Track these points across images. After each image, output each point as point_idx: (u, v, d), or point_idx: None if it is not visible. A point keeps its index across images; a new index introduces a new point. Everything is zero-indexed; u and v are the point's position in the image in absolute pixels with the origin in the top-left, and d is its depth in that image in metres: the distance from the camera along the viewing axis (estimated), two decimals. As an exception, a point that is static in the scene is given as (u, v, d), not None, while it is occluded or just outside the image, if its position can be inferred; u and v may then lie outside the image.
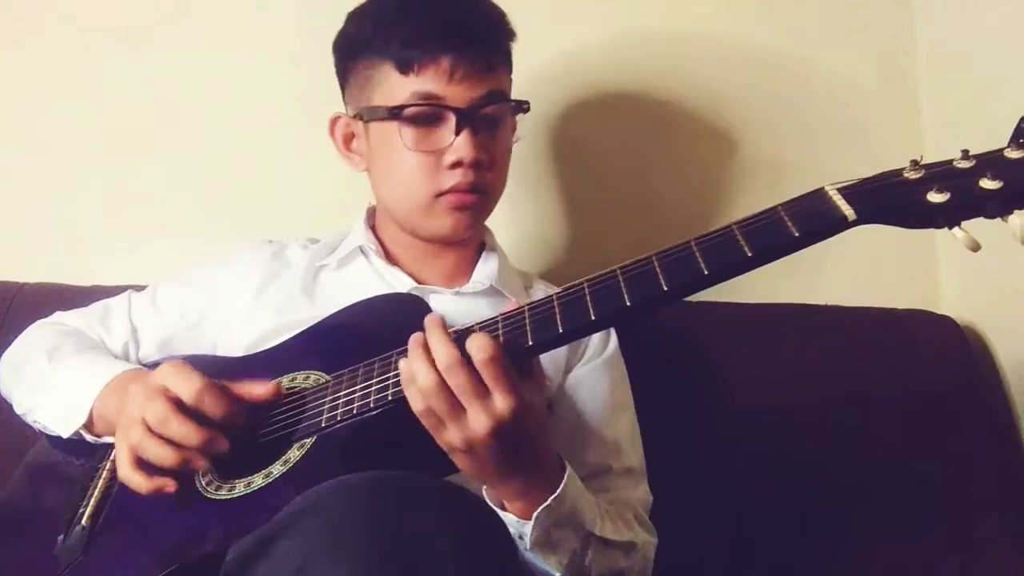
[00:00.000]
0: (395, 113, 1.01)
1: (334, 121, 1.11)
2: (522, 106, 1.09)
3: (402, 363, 0.78)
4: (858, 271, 1.35)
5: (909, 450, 1.20)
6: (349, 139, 1.10)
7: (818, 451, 1.19)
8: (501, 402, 0.75)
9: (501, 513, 0.82)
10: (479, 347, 0.75)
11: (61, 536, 0.86)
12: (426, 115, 1.01)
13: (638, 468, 1.05)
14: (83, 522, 0.86)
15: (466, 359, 0.76)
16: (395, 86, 1.02)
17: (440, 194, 1.02)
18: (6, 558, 0.89)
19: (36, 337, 1.07)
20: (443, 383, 0.76)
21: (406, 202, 1.05)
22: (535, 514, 0.82)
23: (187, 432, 0.80)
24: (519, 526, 0.83)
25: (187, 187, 1.41)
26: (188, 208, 1.41)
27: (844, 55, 1.39)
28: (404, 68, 1.01)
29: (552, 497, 0.82)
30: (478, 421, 0.75)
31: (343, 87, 1.10)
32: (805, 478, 1.17)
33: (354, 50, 1.07)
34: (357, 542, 0.63)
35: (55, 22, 1.42)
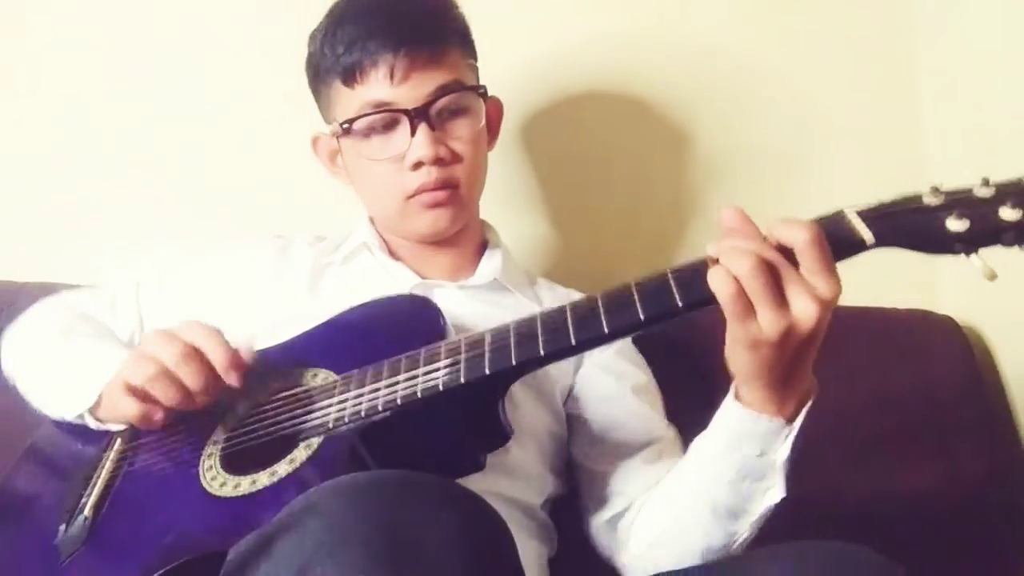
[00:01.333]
0: (347, 128, 1.02)
1: (315, 142, 1.11)
2: (478, 91, 1.04)
3: (721, 243, 0.72)
4: (858, 271, 1.34)
5: (909, 450, 1.20)
6: (334, 156, 1.10)
7: (817, 451, 1.19)
8: (824, 286, 0.71)
9: (759, 419, 0.78)
10: (800, 228, 0.70)
11: (63, 526, 0.86)
12: (380, 122, 1.01)
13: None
14: (86, 512, 0.85)
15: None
16: (346, 100, 1.03)
17: (410, 196, 1.02)
18: (7, 547, 0.89)
19: (49, 316, 1.07)
20: (766, 261, 0.70)
21: (383, 210, 1.07)
22: (803, 414, 0.79)
23: (196, 376, 0.83)
24: (780, 429, 0.79)
25: (189, 187, 1.41)
26: (190, 208, 1.41)
27: (844, 62, 1.39)
28: (348, 80, 1.01)
29: (812, 399, 0.79)
30: (801, 303, 0.71)
31: (319, 107, 1.10)
32: (803, 478, 1.17)
33: (311, 72, 1.08)
34: (359, 541, 0.63)
35: (54, 23, 1.42)
